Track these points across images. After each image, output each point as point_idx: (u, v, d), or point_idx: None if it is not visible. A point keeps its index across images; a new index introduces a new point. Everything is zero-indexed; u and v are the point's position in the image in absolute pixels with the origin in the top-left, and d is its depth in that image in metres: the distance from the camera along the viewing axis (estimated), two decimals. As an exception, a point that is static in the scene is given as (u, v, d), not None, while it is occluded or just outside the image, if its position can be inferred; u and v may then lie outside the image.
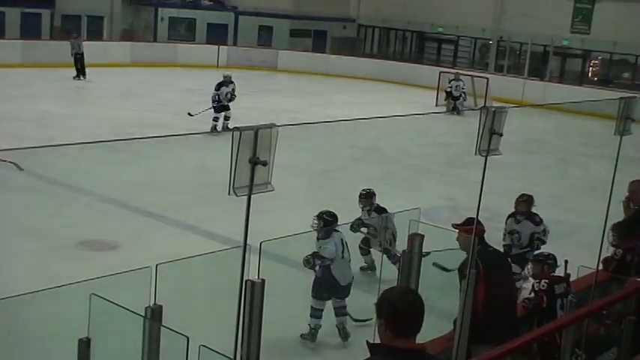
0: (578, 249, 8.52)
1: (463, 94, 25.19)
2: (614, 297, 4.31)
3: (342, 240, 8.00)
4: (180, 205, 11.88)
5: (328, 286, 7.88)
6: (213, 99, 18.18)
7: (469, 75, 26.84)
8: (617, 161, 5.09)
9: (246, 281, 3.93)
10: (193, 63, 30.06)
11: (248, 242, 4.28)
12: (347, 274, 8.01)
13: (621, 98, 4.60)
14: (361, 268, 9.76)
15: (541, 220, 9.23)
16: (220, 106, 18.10)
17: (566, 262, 6.74)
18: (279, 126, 3.01)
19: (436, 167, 16.31)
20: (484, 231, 6.28)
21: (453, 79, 25.42)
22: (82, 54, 25.56)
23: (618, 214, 7.56)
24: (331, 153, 16.55)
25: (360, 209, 9.82)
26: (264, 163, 2.90)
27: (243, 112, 18.30)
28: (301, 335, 7.94)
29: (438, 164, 16.50)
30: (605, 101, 4.96)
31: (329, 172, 15.34)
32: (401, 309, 3.05)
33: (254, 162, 2.88)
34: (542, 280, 6.42)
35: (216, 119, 17.96)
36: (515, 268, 8.24)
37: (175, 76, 27.94)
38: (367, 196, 9.80)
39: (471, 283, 4.61)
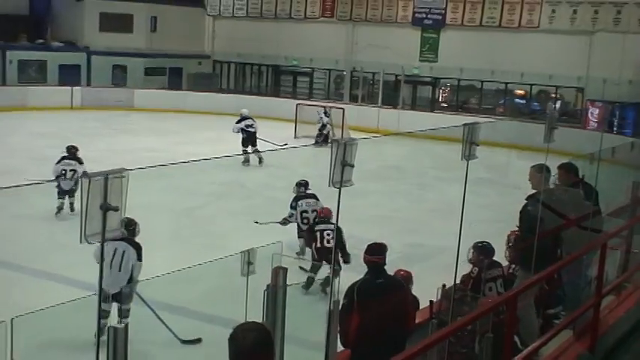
0: (439, 271, 8.80)
1: (330, 126, 25.63)
2: (469, 317, 4.48)
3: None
4: (38, 253, 11.46)
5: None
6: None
7: (323, 106, 27.22)
8: (465, 186, 5.31)
9: (107, 328, 3.84)
10: (46, 106, 29.17)
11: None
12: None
13: (465, 124, 4.81)
14: None
15: None
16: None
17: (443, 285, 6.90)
18: (131, 169, 2.98)
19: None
20: (378, 262, 6.33)
21: (324, 114, 25.83)
22: None
23: (476, 235, 7.85)
24: (193, 190, 16.41)
25: None
26: (116, 209, 2.86)
27: (101, 154, 17.90)
28: None
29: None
30: (452, 127, 5.17)
31: (192, 210, 15.20)
32: (244, 349, 3.08)
33: (105, 208, 2.84)
34: None
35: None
36: None
37: (26, 119, 27.00)
38: None
39: (334, 312, 4.68)
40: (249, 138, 21.17)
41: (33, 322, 4.76)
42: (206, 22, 37.76)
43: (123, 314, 8.59)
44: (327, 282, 10.36)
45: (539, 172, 7.50)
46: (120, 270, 8.70)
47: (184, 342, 8.33)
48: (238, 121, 21.52)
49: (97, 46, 33.84)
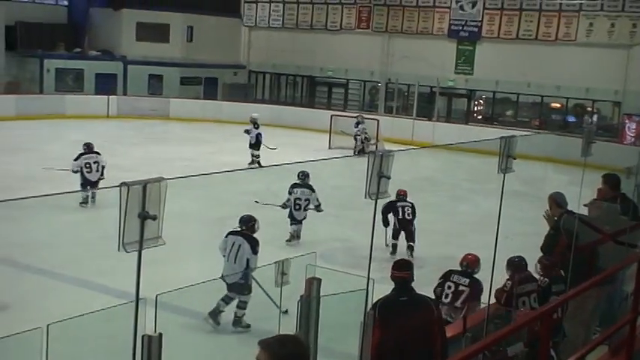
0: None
1: (366, 136, 25.61)
2: (505, 330, 4.43)
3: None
4: (72, 260, 11.55)
5: None
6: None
7: (355, 116, 27.10)
8: (501, 199, 5.26)
9: (142, 336, 3.84)
10: (83, 114, 29.51)
11: (144, 295, 4.20)
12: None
13: (502, 137, 4.76)
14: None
15: None
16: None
17: None
18: (169, 179, 2.99)
19: (330, 210, 16.37)
20: (404, 278, 6.26)
21: (359, 122, 25.81)
22: None
23: (510, 248, 7.78)
24: (226, 200, 16.44)
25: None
26: (154, 218, 2.87)
27: (136, 162, 18.04)
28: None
29: (332, 206, 16.59)
30: (488, 140, 5.14)
31: (224, 219, 15.19)
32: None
33: (143, 216, 2.84)
34: None
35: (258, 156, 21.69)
36: None
37: (64, 127, 27.28)
38: None
39: (368, 324, 4.65)
40: (259, 142, 22.00)
41: (68, 328, 4.80)
42: (242, 33, 37.93)
43: (240, 305, 9.43)
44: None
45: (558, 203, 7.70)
46: (235, 262, 9.61)
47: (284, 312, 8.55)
48: (255, 127, 22.33)
49: (133, 55, 34.19)
